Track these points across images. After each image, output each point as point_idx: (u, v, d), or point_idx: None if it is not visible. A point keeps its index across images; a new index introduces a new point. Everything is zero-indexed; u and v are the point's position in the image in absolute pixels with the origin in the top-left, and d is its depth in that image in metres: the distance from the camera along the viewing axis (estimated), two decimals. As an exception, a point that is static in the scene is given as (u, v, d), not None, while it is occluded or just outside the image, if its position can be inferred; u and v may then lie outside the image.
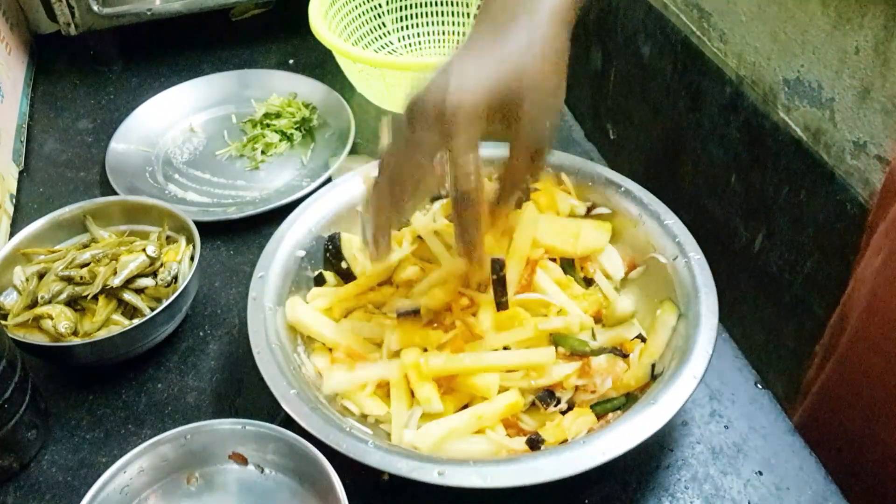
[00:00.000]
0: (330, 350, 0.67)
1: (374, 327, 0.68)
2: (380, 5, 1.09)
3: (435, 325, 0.68)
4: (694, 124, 0.98)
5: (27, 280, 0.74)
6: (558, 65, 0.56)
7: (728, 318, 0.68)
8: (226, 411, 0.70)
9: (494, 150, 0.59)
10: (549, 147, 0.59)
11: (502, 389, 0.62)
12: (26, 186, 0.95)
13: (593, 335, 0.67)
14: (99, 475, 0.57)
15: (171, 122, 1.02)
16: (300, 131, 1.00)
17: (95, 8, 1.05)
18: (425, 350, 0.64)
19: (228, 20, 1.23)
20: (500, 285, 0.63)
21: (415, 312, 0.65)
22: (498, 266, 0.63)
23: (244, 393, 0.72)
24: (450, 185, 0.56)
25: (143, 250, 0.75)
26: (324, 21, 0.99)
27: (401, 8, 1.10)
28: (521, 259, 0.68)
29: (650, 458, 0.65)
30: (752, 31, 0.77)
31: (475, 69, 0.53)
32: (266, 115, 1.01)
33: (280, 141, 0.99)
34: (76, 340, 0.70)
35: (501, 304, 0.64)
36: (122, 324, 0.72)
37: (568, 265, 0.71)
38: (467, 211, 0.57)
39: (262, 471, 0.61)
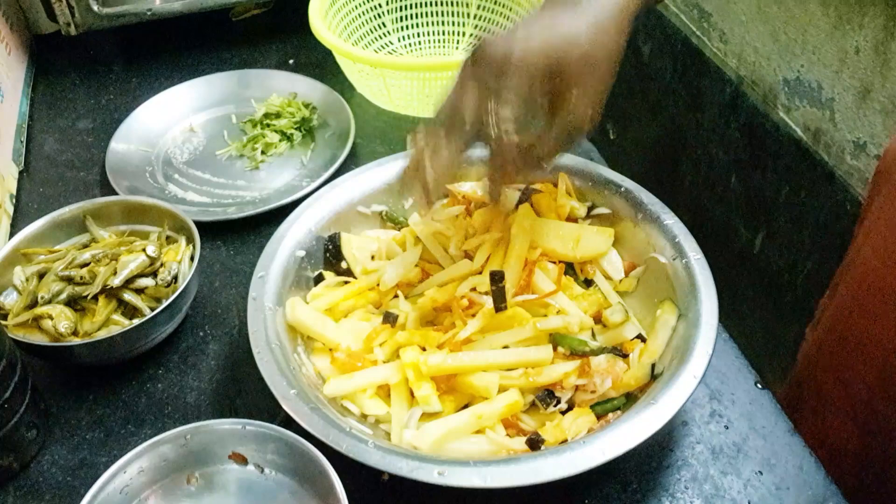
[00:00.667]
0: (330, 350, 0.67)
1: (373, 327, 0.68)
2: (380, 5, 1.09)
3: (435, 325, 0.68)
4: (694, 124, 0.98)
5: (27, 280, 0.74)
6: (611, 55, 0.57)
7: (728, 318, 0.68)
8: (226, 411, 0.70)
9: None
10: (583, 132, 0.59)
11: (502, 389, 0.62)
12: (26, 186, 0.95)
13: (593, 335, 0.67)
14: (99, 475, 0.57)
15: (171, 122, 1.02)
16: (300, 131, 1.00)
17: (95, 8, 1.05)
18: (424, 350, 0.64)
19: (228, 20, 1.23)
20: (499, 295, 0.64)
21: (394, 318, 0.67)
22: (497, 277, 0.63)
23: (244, 393, 0.72)
24: (490, 129, 0.58)
25: (143, 250, 0.75)
26: (324, 21, 0.99)
27: (401, 8, 1.10)
28: (520, 260, 0.68)
29: (650, 458, 0.65)
30: (752, 31, 0.77)
31: (541, 34, 0.56)
32: (266, 115, 1.01)
33: (280, 141, 0.99)
34: (76, 340, 0.70)
35: (500, 311, 0.65)
36: (122, 324, 0.72)
37: (568, 266, 0.71)
38: (501, 157, 0.59)
39: (262, 471, 0.61)
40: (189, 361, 0.75)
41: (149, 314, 0.70)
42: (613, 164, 0.79)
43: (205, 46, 1.18)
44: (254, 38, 1.20)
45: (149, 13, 1.08)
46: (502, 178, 0.62)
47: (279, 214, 0.77)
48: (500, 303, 0.64)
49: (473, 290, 0.68)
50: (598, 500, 0.63)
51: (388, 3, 1.09)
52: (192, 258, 0.75)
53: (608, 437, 0.55)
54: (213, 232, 0.86)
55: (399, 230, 0.77)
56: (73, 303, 0.73)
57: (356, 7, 1.07)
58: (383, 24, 1.10)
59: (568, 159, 0.76)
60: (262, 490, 0.60)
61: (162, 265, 0.75)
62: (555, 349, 0.64)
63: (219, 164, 0.98)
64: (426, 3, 1.10)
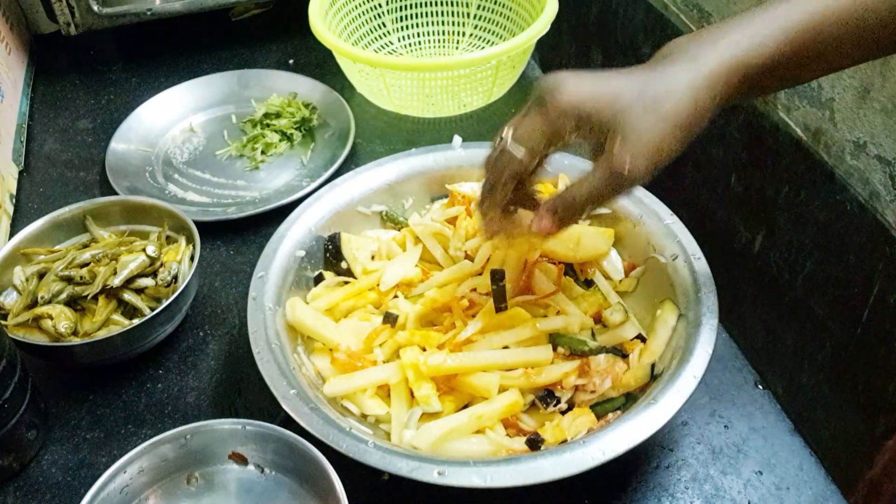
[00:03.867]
0: (330, 350, 0.67)
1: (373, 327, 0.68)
2: (380, 5, 1.09)
3: (435, 325, 0.68)
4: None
5: (27, 280, 0.74)
6: (680, 119, 0.52)
7: (728, 318, 0.68)
8: (226, 411, 0.70)
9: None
10: (622, 182, 0.53)
11: (502, 389, 0.62)
12: (26, 186, 0.95)
13: (593, 335, 0.67)
14: (99, 475, 0.57)
15: (171, 122, 1.02)
16: (300, 131, 1.00)
17: (95, 8, 1.05)
18: (424, 350, 0.64)
19: (228, 20, 1.23)
20: (499, 294, 0.64)
21: (394, 318, 0.67)
22: (497, 276, 0.63)
23: (244, 393, 0.72)
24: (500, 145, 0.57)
25: (143, 250, 0.75)
26: (324, 21, 0.99)
27: (401, 8, 1.10)
28: (519, 261, 0.68)
29: (650, 458, 0.65)
30: (752, 31, 0.77)
31: (597, 80, 0.54)
32: (266, 115, 1.01)
33: (280, 141, 0.99)
34: (76, 340, 0.70)
35: (500, 310, 0.65)
36: (122, 324, 0.72)
37: (568, 267, 0.71)
38: (501, 173, 0.57)
39: (262, 471, 0.61)
40: (189, 361, 0.75)
41: (149, 314, 0.69)
42: (613, 164, 0.79)
43: (205, 46, 1.18)
44: (254, 38, 1.20)
45: (149, 13, 1.08)
46: (499, 194, 0.58)
47: (279, 214, 0.77)
48: (500, 302, 0.65)
49: (473, 290, 0.68)
50: (598, 500, 0.63)
51: (388, 3, 1.09)
52: (192, 258, 0.75)
53: (608, 437, 0.55)
54: (213, 232, 0.86)
55: (399, 230, 0.77)
56: (73, 303, 0.73)
57: (356, 7, 1.07)
58: (383, 24, 1.10)
59: (568, 159, 0.75)
60: (262, 490, 0.60)
61: (162, 265, 0.75)
62: (555, 349, 0.64)
63: (219, 164, 0.98)
64: (426, 3, 1.10)
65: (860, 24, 0.52)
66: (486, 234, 0.62)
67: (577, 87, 0.53)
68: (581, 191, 0.55)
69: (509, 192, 0.58)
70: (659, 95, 0.52)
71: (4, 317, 0.71)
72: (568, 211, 0.56)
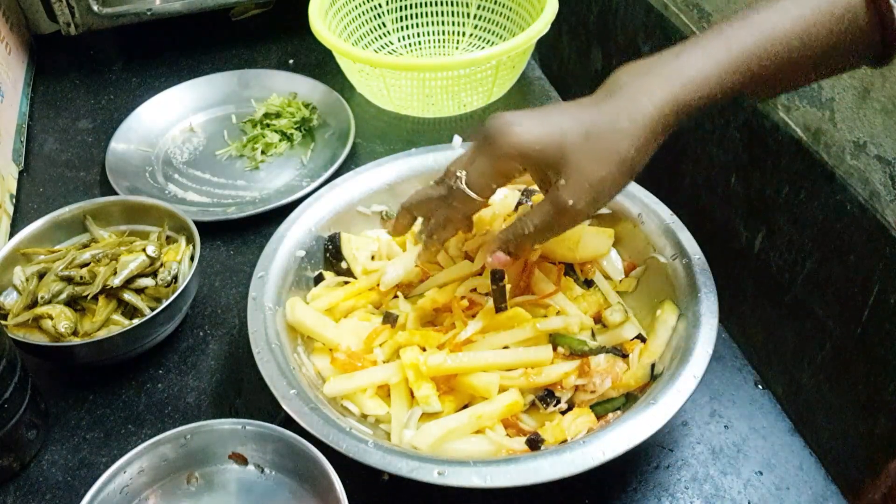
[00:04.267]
0: (330, 350, 0.67)
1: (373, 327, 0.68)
2: (380, 5, 1.09)
3: (435, 325, 0.68)
4: (694, 124, 0.97)
5: (27, 280, 0.74)
6: (619, 163, 0.54)
7: (728, 318, 0.68)
8: (226, 411, 0.70)
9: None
10: (564, 219, 0.57)
11: (502, 389, 0.62)
12: (26, 186, 0.95)
13: (593, 335, 0.67)
14: (99, 475, 0.57)
15: (171, 122, 1.02)
16: (300, 131, 1.00)
17: (95, 8, 1.05)
18: (424, 350, 0.64)
19: (228, 20, 1.23)
20: (499, 294, 0.64)
21: (394, 318, 0.67)
22: (497, 276, 0.63)
23: (244, 393, 0.72)
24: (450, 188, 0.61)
25: (143, 250, 0.75)
26: (324, 21, 0.99)
27: (401, 8, 1.10)
28: (519, 261, 0.68)
29: (650, 458, 0.65)
30: (752, 31, 0.77)
31: (542, 120, 0.56)
32: (266, 115, 1.01)
33: (280, 141, 0.99)
34: (76, 340, 0.70)
35: (500, 311, 0.65)
36: (122, 324, 0.72)
37: (568, 267, 0.71)
38: (455, 212, 0.62)
39: (262, 471, 0.61)
40: (189, 361, 0.75)
41: (149, 314, 0.69)
42: (613, 164, 0.79)
43: (205, 46, 1.18)
44: (254, 38, 1.20)
45: (149, 13, 1.08)
46: (444, 231, 0.64)
47: (279, 214, 0.77)
48: (500, 302, 0.65)
49: (473, 290, 0.68)
50: (598, 500, 0.63)
51: (388, 3, 1.09)
52: (192, 258, 0.75)
53: (608, 437, 0.55)
54: (213, 232, 0.86)
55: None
56: (73, 303, 0.73)
57: (356, 7, 1.07)
58: (383, 24, 1.10)
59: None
60: (262, 490, 0.60)
61: (162, 265, 0.75)
62: (554, 349, 0.64)
63: (219, 164, 0.98)
64: (426, 3, 1.10)
65: (810, 47, 0.53)
66: (425, 260, 0.69)
67: (522, 130, 0.55)
68: (528, 225, 0.58)
69: (460, 228, 0.64)
70: (601, 135, 0.54)
71: (4, 317, 0.71)
72: (519, 244, 0.60)
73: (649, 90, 0.54)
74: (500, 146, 0.56)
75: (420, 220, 0.68)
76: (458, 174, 0.59)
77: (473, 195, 0.59)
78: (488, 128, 0.57)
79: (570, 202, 0.55)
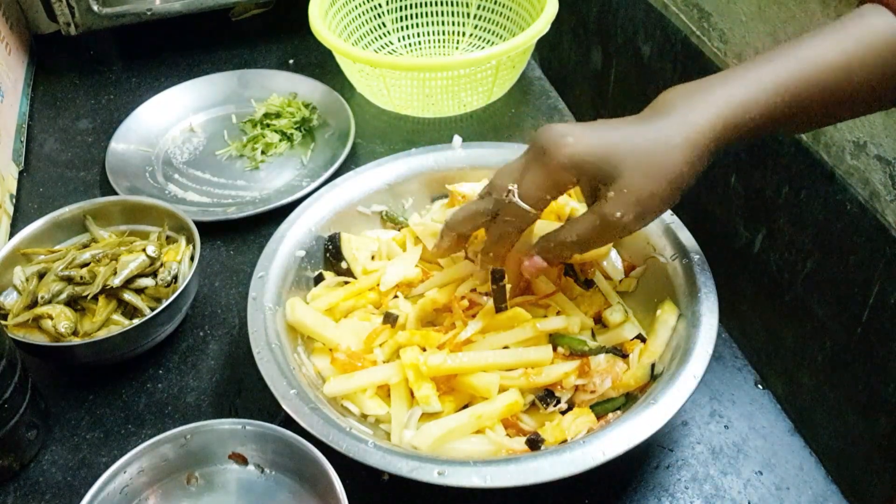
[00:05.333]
0: (330, 350, 0.67)
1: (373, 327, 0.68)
2: (380, 5, 1.09)
3: (435, 325, 0.68)
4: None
5: (27, 280, 0.74)
6: (670, 179, 0.55)
7: (728, 318, 0.68)
8: (226, 411, 0.70)
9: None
10: (612, 231, 0.57)
11: (502, 389, 0.62)
12: (26, 186, 0.95)
13: (593, 335, 0.67)
14: (99, 475, 0.57)
15: (171, 122, 1.02)
16: (300, 131, 1.00)
17: (95, 8, 1.05)
18: (424, 350, 0.64)
19: (228, 20, 1.23)
20: (499, 294, 0.64)
21: (394, 318, 0.67)
22: (498, 276, 0.63)
23: (244, 393, 0.72)
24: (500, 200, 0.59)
25: (143, 250, 0.75)
26: (324, 21, 0.99)
27: (401, 8, 1.10)
28: (519, 261, 0.68)
29: (650, 458, 0.65)
30: (752, 31, 0.77)
31: (594, 133, 0.56)
32: (266, 115, 1.01)
33: (280, 141, 0.99)
34: (76, 340, 0.70)
35: (501, 311, 0.65)
36: (122, 324, 0.72)
37: (568, 267, 0.71)
38: (508, 226, 0.60)
39: (262, 471, 0.61)
40: (189, 361, 0.75)
41: (149, 314, 0.70)
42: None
43: (205, 46, 1.18)
44: (254, 38, 1.20)
45: (149, 13, 1.08)
46: (501, 247, 0.62)
47: (279, 214, 0.77)
48: (500, 302, 0.65)
49: (473, 290, 0.68)
50: (598, 500, 0.63)
51: (388, 3, 1.09)
52: (192, 258, 0.75)
53: (608, 437, 0.55)
54: (213, 232, 0.86)
55: (399, 230, 0.77)
56: (73, 303, 0.73)
57: (356, 7, 1.07)
58: (383, 24, 1.10)
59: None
60: (262, 490, 0.60)
61: (162, 265, 0.75)
62: (554, 349, 0.64)
63: (219, 164, 0.98)
64: (426, 3, 1.10)
65: (852, 79, 0.53)
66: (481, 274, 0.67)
67: (576, 142, 0.55)
68: (572, 234, 0.58)
69: (515, 242, 0.62)
70: (653, 150, 0.54)
71: (4, 317, 0.72)
72: (559, 253, 0.60)
73: (700, 109, 0.55)
74: (555, 157, 0.55)
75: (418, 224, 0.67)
76: (510, 187, 0.58)
77: (528, 208, 0.58)
78: (541, 139, 0.56)
79: (618, 215, 0.55)
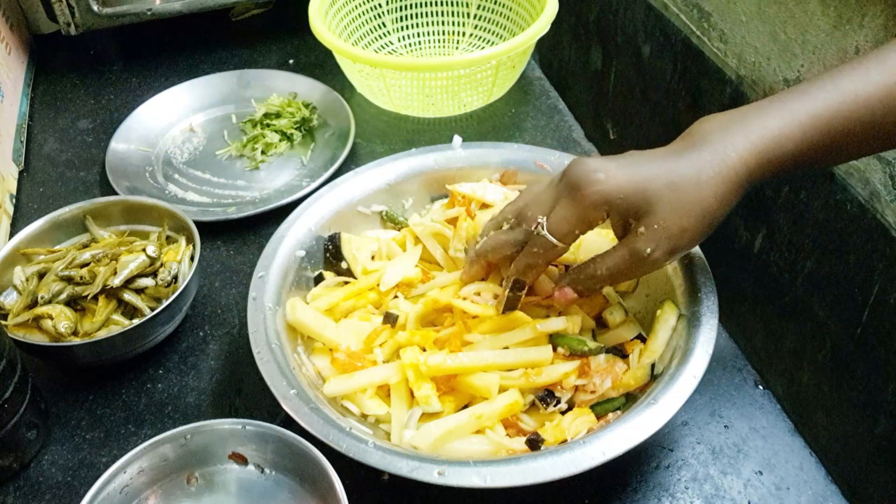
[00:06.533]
0: (330, 350, 0.67)
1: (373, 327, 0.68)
2: (380, 5, 1.09)
3: (435, 325, 0.68)
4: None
5: (27, 280, 0.74)
6: (701, 215, 0.54)
7: (728, 318, 0.68)
8: (226, 411, 0.70)
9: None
10: (642, 266, 0.56)
11: (502, 389, 0.62)
12: (26, 186, 0.95)
13: (593, 335, 0.67)
14: (99, 475, 0.57)
15: (171, 122, 1.02)
16: (300, 131, 1.00)
17: (95, 8, 1.05)
18: (424, 350, 0.64)
19: (228, 20, 1.23)
20: (513, 301, 0.64)
21: (394, 318, 0.67)
22: (518, 286, 0.63)
23: (244, 393, 0.72)
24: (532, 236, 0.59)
25: (143, 250, 0.75)
26: (324, 21, 0.99)
27: (401, 8, 1.10)
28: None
29: (650, 458, 0.65)
30: (752, 31, 0.77)
31: (626, 169, 0.55)
32: (266, 115, 1.01)
33: (280, 141, 0.99)
34: (76, 340, 0.70)
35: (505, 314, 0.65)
36: (122, 324, 0.72)
37: (568, 268, 0.71)
38: (536, 258, 0.59)
39: (262, 471, 0.61)
40: (189, 361, 0.75)
41: (149, 314, 0.70)
42: (613, 164, 0.79)
43: (205, 46, 1.18)
44: (254, 38, 1.20)
45: (149, 13, 1.08)
46: (528, 276, 0.61)
47: (279, 214, 0.77)
48: (511, 308, 0.64)
49: (477, 294, 0.68)
50: (598, 500, 0.63)
51: (388, 3, 1.09)
52: (192, 258, 0.75)
53: (608, 437, 0.55)
54: (213, 232, 0.86)
55: (399, 230, 0.77)
56: (73, 303, 0.73)
57: (356, 7, 1.07)
58: (383, 24, 1.10)
59: (568, 160, 0.75)
60: (262, 490, 0.60)
61: (162, 265, 0.75)
62: (554, 349, 0.64)
63: (219, 164, 0.98)
64: (426, 3, 1.10)
65: (886, 112, 0.52)
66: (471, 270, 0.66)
67: (608, 178, 0.55)
68: (602, 267, 0.58)
69: (541, 273, 0.62)
70: (685, 186, 0.54)
71: (4, 317, 0.72)
72: (589, 285, 0.60)
73: (734, 143, 0.54)
74: (586, 195, 0.55)
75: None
76: (540, 220, 0.58)
77: (556, 242, 0.57)
78: (573, 175, 0.56)
79: (648, 251, 0.55)
